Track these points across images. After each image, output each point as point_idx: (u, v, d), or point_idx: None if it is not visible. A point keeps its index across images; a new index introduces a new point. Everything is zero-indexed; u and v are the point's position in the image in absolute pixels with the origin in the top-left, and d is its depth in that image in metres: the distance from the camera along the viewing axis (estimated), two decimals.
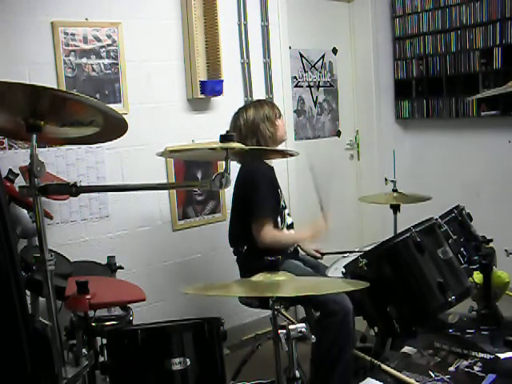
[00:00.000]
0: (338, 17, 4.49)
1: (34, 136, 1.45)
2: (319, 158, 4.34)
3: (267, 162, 2.76)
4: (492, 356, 1.82)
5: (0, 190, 1.47)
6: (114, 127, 1.60)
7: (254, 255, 2.61)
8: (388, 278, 2.13)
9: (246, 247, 2.71)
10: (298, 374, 1.62)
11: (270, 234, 2.59)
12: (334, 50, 4.49)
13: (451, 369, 1.77)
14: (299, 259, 2.77)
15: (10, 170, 2.51)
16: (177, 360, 1.70)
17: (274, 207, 2.67)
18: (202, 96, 3.30)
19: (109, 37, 3.01)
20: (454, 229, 2.34)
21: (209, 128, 3.38)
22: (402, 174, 3.27)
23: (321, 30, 4.35)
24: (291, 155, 2.67)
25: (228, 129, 2.79)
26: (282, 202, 2.75)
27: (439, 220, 2.28)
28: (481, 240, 2.39)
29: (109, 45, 3.01)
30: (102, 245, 3.02)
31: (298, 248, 2.85)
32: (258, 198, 2.62)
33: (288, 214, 2.81)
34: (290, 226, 2.80)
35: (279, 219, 2.71)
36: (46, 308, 1.48)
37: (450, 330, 2.09)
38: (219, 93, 3.35)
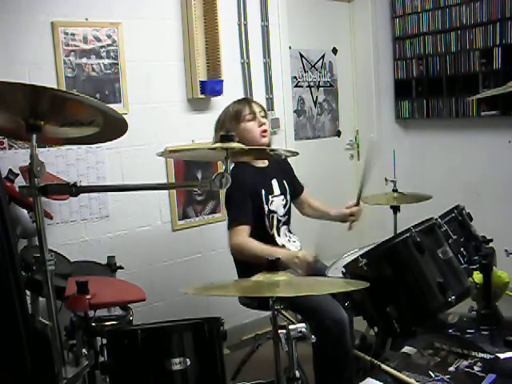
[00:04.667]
0: (338, 17, 4.49)
1: (34, 136, 1.45)
2: (319, 158, 4.35)
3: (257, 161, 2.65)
4: (492, 356, 1.82)
5: (0, 190, 1.48)
6: (114, 127, 1.60)
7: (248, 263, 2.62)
8: (388, 277, 2.13)
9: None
10: (297, 374, 1.62)
11: (237, 240, 2.45)
12: (334, 50, 4.49)
13: (451, 369, 1.77)
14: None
15: (10, 170, 2.51)
16: (177, 360, 1.70)
17: (245, 212, 2.51)
18: (202, 96, 3.30)
19: (109, 37, 3.01)
20: (453, 229, 2.34)
21: (209, 128, 3.37)
22: (402, 174, 3.27)
23: (321, 30, 4.35)
24: (292, 153, 2.63)
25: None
26: (268, 206, 2.61)
27: (439, 220, 2.28)
28: (481, 240, 2.39)
29: (109, 45, 3.01)
30: (101, 245, 3.02)
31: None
32: (228, 203, 2.58)
33: (285, 216, 2.70)
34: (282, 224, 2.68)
35: (267, 223, 2.60)
36: (46, 308, 1.48)
37: (450, 330, 2.09)
38: (219, 93, 3.35)
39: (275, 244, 2.61)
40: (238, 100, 2.80)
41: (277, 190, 2.70)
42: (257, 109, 2.69)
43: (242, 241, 2.45)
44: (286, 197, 2.73)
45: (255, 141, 2.63)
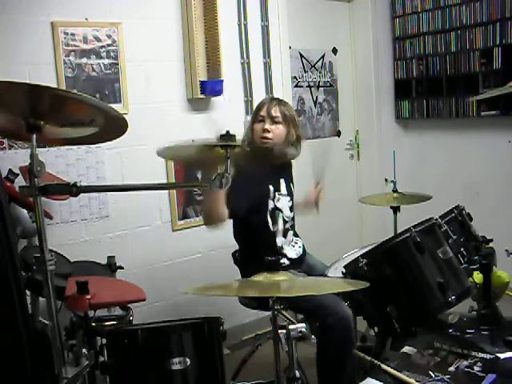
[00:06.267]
0: (338, 17, 4.49)
1: (34, 136, 1.45)
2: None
3: None
4: (492, 356, 1.82)
5: (0, 190, 1.48)
6: (114, 127, 1.60)
7: (246, 259, 2.63)
8: (388, 277, 2.13)
9: (238, 253, 2.70)
10: (297, 374, 1.62)
11: None
12: (334, 50, 4.49)
13: (451, 369, 1.77)
14: (305, 266, 2.69)
15: (10, 170, 2.51)
16: (177, 360, 1.70)
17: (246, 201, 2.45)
18: (202, 96, 3.30)
19: (109, 37, 3.00)
20: (453, 229, 2.34)
21: (209, 128, 3.37)
22: (402, 175, 3.27)
23: (321, 30, 4.35)
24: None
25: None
26: (274, 202, 2.60)
27: (439, 220, 2.28)
28: (481, 240, 2.39)
29: (109, 45, 3.01)
30: (101, 245, 3.02)
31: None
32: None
33: (290, 218, 2.68)
34: (290, 228, 2.69)
35: (270, 220, 2.58)
36: (46, 308, 1.48)
37: (450, 330, 2.09)
38: (219, 93, 3.35)
39: (273, 243, 2.60)
40: (267, 98, 2.81)
41: (284, 190, 2.69)
42: (274, 113, 2.58)
43: None
44: (292, 199, 2.71)
45: (256, 144, 2.56)
